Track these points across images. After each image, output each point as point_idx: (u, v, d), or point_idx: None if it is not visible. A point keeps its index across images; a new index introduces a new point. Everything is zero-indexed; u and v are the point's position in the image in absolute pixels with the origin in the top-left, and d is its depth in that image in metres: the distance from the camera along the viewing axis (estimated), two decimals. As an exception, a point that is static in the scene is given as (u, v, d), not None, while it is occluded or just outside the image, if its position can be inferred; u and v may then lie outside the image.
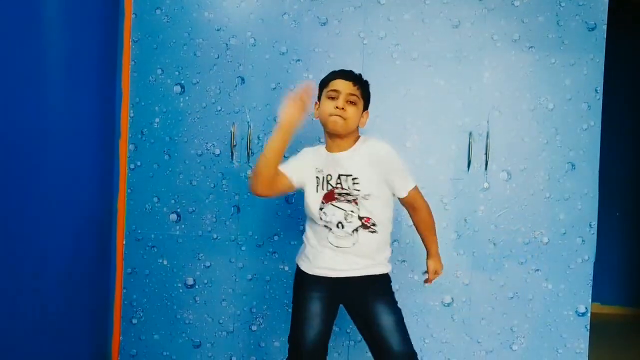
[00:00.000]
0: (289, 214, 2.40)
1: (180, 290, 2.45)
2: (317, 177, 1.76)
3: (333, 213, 1.73)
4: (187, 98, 2.43)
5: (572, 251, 2.34)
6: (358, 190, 1.71)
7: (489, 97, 2.34)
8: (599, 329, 3.35)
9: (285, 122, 1.65)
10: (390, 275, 1.85)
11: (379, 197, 1.74)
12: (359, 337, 2.34)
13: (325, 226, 1.75)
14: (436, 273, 1.89)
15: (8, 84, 1.65)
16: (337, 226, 1.73)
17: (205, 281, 2.45)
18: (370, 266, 1.78)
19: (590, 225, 2.33)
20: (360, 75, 1.79)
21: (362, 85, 1.77)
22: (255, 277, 2.43)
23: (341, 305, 1.86)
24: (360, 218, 1.72)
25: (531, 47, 2.33)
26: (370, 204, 1.72)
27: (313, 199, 1.76)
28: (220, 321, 2.45)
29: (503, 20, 2.34)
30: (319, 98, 1.79)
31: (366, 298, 1.76)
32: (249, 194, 2.41)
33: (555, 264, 2.34)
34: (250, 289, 2.44)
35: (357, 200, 1.72)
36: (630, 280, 4.17)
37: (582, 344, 2.34)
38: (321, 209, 1.74)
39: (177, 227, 2.45)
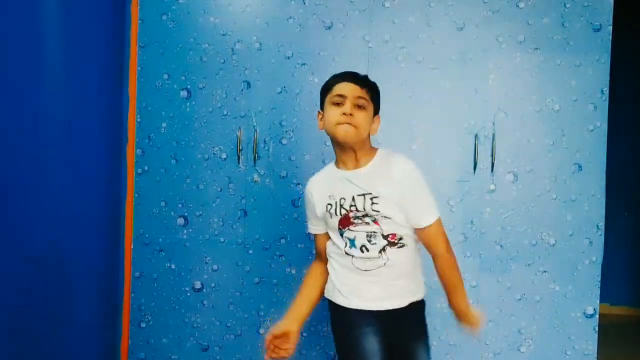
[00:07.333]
0: (295, 217, 2.41)
1: (188, 294, 2.47)
2: (328, 205, 1.57)
3: (354, 237, 1.55)
4: (193, 103, 2.44)
5: (579, 252, 2.33)
6: (377, 212, 1.51)
7: (495, 99, 2.34)
8: (608, 330, 3.33)
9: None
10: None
11: (401, 218, 1.54)
12: None
13: (347, 254, 1.57)
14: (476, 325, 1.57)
15: (14, 90, 1.67)
16: (361, 250, 1.54)
17: (213, 285, 2.46)
18: (410, 291, 1.60)
19: (597, 226, 2.32)
20: (366, 76, 1.58)
21: (370, 88, 1.56)
22: (262, 281, 2.44)
23: None
24: (385, 236, 1.53)
25: (536, 48, 2.33)
26: (393, 222, 1.53)
27: (331, 228, 1.60)
28: (228, 324, 2.46)
29: (508, 22, 2.33)
30: (322, 106, 1.59)
31: (406, 335, 1.60)
32: (255, 197, 2.42)
33: (563, 266, 2.33)
34: (258, 292, 2.44)
35: (377, 221, 1.52)
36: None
37: (590, 346, 2.33)
38: (342, 234, 1.57)
39: (185, 231, 2.46)
